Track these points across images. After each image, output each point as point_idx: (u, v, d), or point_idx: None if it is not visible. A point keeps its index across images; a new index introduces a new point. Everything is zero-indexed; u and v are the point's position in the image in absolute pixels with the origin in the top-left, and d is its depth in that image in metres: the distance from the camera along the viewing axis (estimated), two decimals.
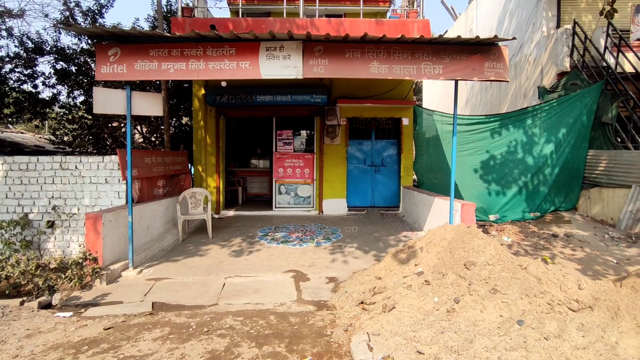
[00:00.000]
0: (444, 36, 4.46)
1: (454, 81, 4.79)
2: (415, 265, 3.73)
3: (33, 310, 3.61)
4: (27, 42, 9.20)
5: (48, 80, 9.72)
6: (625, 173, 6.55)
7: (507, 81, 4.76)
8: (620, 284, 3.03)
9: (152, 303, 3.79)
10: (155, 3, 8.74)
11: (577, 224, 6.73)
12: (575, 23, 8.05)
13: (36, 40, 9.27)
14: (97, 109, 4.57)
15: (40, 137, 14.16)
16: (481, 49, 4.57)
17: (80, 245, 5.78)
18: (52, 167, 5.91)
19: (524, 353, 2.38)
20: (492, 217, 7.28)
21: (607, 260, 5.05)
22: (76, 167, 5.91)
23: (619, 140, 7.31)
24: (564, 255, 5.29)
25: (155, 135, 10.69)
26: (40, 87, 9.73)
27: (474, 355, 2.41)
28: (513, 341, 2.49)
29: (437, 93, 16.42)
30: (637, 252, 5.30)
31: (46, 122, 11.48)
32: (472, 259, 3.33)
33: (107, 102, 4.58)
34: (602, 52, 7.89)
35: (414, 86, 9.51)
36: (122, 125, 10.13)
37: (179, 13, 7.63)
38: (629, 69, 7.66)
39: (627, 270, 4.54)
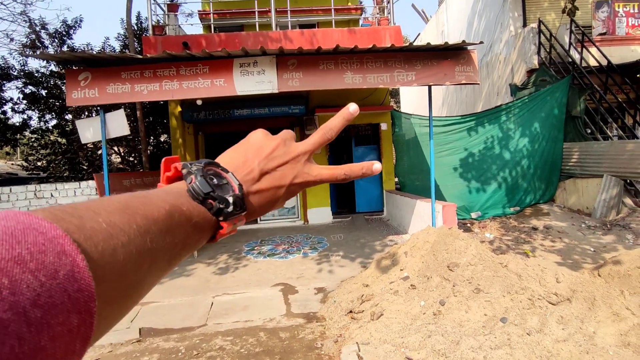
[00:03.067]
0: (417, 40, 4.62)
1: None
2: (401, 270, 3.78)
3: None
4: None
5: (17, 106, 9.45)
6: (596, 163, 6.82)
7: (478, 84, 4.92)
8: (597, 272, 3.15)
9: (139, 329, 3.69)
10: (125, 22, 8.64)
11: (556, 216, 6.94)
12: (540, 22, 8.37)
13: (2, 65, 9.02)
14: (84, 140, 4.62)
15: (12, 164, 13.71)
16: (451, 54, 4.71)
17: None
18: (27, 196, 5.73)
19: (509, 350, 2.44)
20: (474, 215, 7.43)
21: (584, 249, 5.22)
22: (52, 195, 5.75)
23: (589, 132, 7.62)
24: (544, 248, 5.45)
25: (133, 155, 10.50)
26: (10, 113, 9.45)
27: (461, 357, 2.45)
28: (497, 339, 2.55)
29: (415, 95, 16.71)
30: (613, 239, 5.51)
31: (17, 148, 11.13)
32: (454, 261, 3.40)
33: (88, 128, 4.61)
34: (567, 48, 8.22)
35: (390, 90, 9.66)
36: (98, 147, 9.91)
37: (150, 31, 7.57)
38: (593, 63, 8.01)
39: (604, 258, 4.70)
